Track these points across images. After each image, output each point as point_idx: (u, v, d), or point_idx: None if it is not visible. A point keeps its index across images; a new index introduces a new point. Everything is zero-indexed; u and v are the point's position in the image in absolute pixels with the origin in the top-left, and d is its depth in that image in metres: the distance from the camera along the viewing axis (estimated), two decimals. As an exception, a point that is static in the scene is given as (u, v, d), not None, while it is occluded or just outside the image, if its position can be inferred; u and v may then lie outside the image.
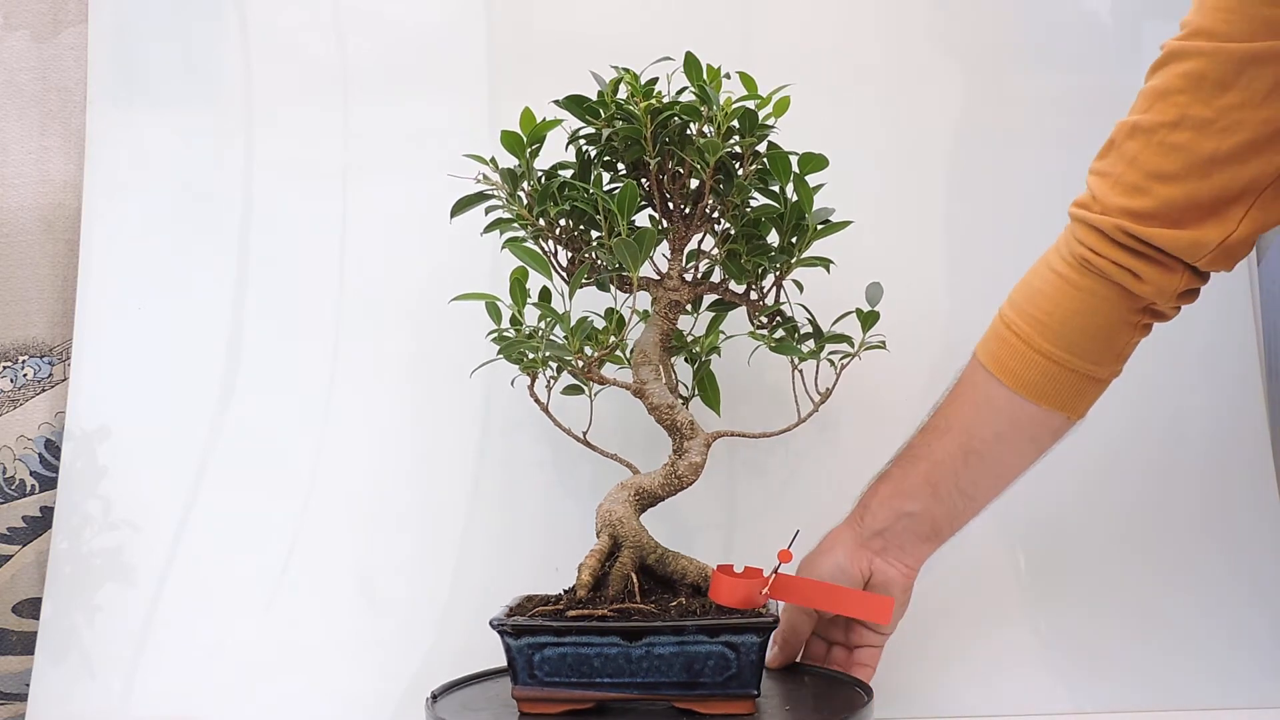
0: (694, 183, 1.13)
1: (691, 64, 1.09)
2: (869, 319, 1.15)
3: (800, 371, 1.16)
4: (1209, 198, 1.03)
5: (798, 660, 1.22)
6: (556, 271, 1.12)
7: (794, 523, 1.13)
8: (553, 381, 1.13)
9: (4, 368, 1.48)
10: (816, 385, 1.16)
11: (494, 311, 1.09)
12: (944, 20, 1.46)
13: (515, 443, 1.41)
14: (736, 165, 1.11)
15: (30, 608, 1.44)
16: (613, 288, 1.16)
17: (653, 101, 1.06)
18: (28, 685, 1.39)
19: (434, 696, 1.14)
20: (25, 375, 1.48)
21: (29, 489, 1.47)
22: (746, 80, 1.12)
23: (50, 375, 1.49)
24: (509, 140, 1.09)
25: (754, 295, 1.18)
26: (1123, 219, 1.05)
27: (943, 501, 1.15)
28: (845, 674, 1.18)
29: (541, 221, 1.09)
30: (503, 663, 1.21)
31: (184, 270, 1.46)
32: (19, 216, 1.49)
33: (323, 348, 1.45)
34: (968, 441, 1.14)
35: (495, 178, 1.10)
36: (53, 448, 1.47)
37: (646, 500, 1.12)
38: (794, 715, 1.07)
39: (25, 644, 1.43)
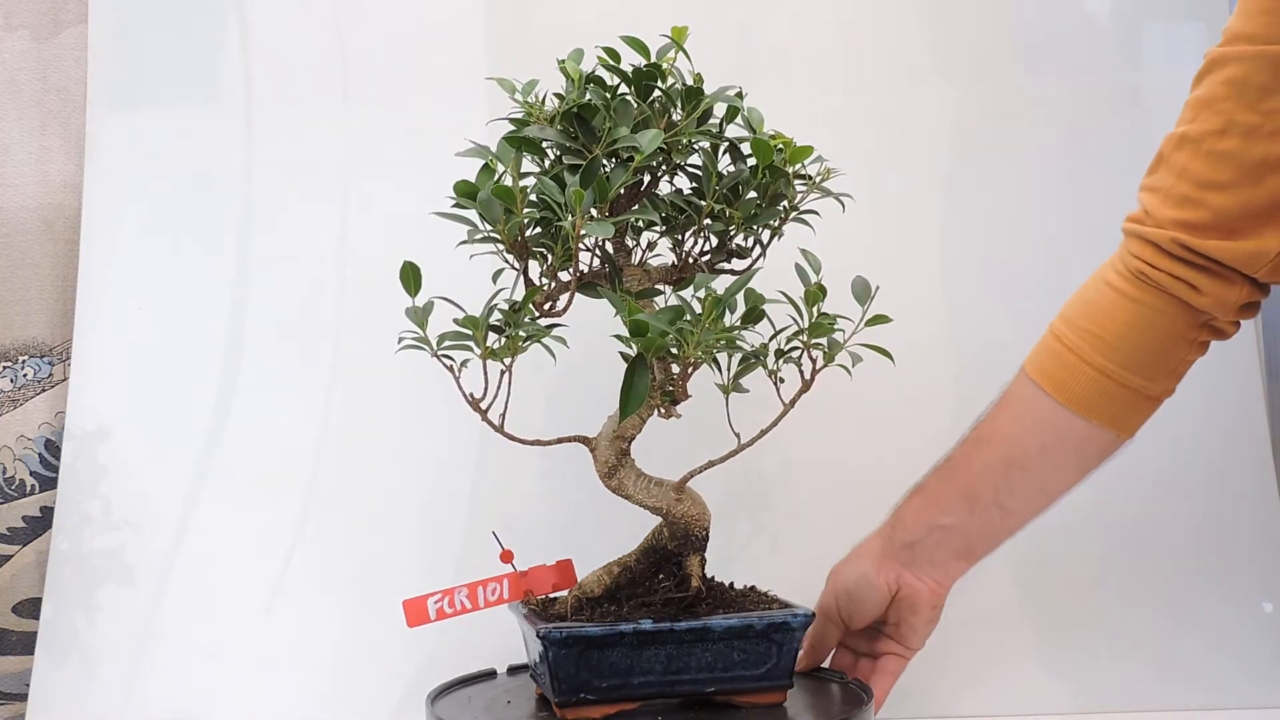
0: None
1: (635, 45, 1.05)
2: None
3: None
4: (1264, 204, 0.99)
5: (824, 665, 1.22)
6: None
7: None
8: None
9: (4, 368, 1.48)
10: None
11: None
12: (943, 20, 1.46)
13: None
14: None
15: (30, 608, 1.44)
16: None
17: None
18: (28, 685, 1.39)
19: (434, 696, 1.14)
20: (25, 375, 1.48)
21: (29, 489, 1.47)
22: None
23: (50, 375, 1.49)
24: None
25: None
26: (1178, 232, 1.01)
27: (979, 515, 1.12)
28: (847, 675, 1.19)
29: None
30: (502, 663, 1.22)
31: (184, 270, 1.46)
32: (19, 216, 1.49)
33: (323, 348, 1.45)
34: (1009, 454, 1.11)
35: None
36: (53, 448, 1.47)
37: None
38: (793, 715, 1.08)
39: (25, 644, 1.43)
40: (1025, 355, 1.13)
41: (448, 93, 1.45)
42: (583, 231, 0.96)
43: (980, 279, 1.43)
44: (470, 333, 1.02)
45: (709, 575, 1.14)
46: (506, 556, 1.13)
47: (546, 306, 1.06)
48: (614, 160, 1.02)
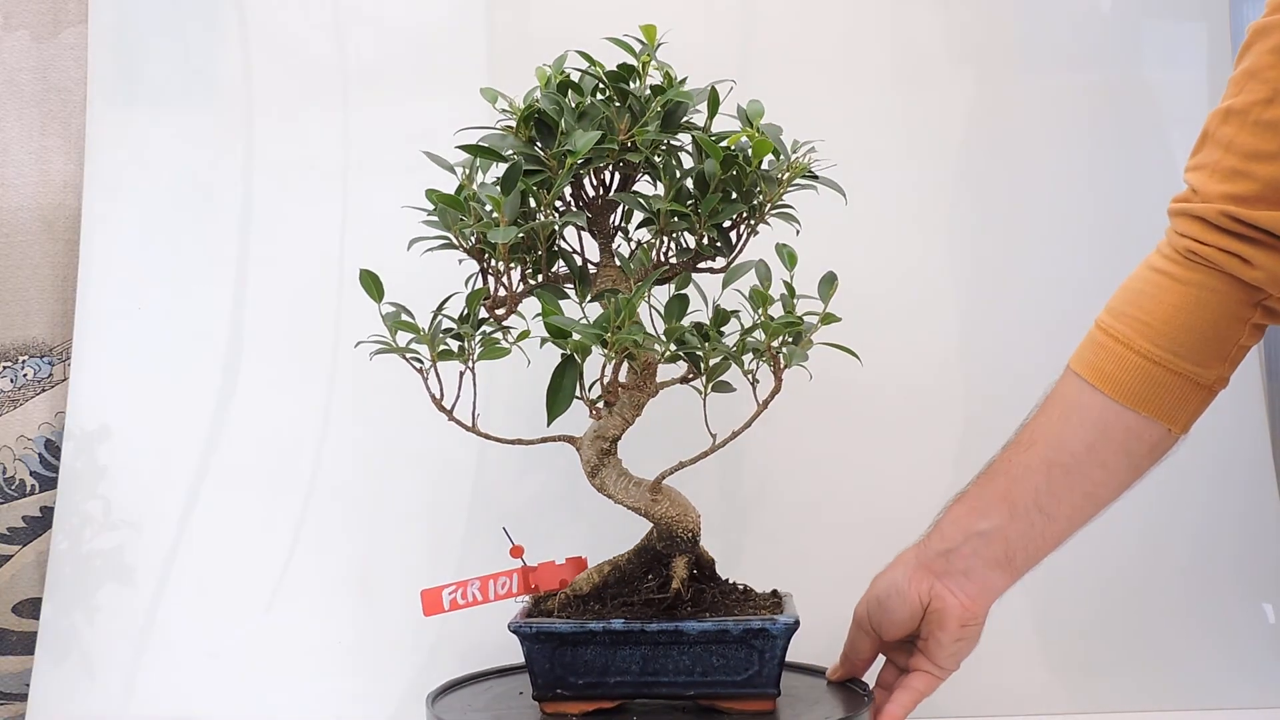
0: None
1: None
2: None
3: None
4: None
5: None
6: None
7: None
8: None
9: (4, 368, 1.48)
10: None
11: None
12: (948, 20, 1.45)
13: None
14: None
15: (30, 608, 1.44)
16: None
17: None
18: (28, 685, 1.39)
19: (434, 696, 1.14)
20: (25, 375, 1.48)
21: (29, 489, 1.47)
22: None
23: (50, 375, 1.49)
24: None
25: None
26: (1226, 204, 0.97)
27: (1019, 520, 1.06)
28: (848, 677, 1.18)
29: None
30: (502, 663, 1.22)
31: (184, 270, 1.46)
32: (19, 216, 1.49)
33: (322, 348, 1.44)
34: (1053, 454, 1.04)
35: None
36: (53, 448, 1.47)
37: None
38: (794, 714, 1.08)
39: (25, 644, 1.43)
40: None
41: (448, 93, 1.45)
42: (490, 237, 0.99)
43: (982, 277, 1.43)
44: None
45: (725, 578, 1.14)
46: (517, 552, 1.14)
47: (504, 309, 1.06)
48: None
